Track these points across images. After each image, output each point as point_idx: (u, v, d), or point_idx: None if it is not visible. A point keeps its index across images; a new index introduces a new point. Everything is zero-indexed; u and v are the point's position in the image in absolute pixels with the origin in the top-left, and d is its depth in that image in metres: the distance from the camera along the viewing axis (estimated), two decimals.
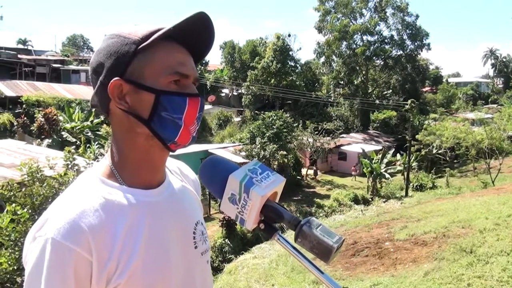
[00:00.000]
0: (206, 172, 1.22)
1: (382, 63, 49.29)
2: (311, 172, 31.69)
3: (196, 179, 1.47)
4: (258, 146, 26.98)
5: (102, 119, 30.31)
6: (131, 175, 1.21)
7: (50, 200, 6.76)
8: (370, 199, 25.32)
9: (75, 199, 1.13)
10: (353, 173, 31.48)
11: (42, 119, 27.26)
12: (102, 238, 1.09)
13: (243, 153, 26.50)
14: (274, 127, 28.89)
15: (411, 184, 27.62)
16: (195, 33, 1.19)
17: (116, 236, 1.11)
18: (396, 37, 47.98)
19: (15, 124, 29.86)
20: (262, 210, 1.14)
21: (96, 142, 25.57)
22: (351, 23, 47.36)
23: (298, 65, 49.21)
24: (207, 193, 22.35)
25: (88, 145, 23.66)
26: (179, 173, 1.40)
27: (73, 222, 1.07)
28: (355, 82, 48.43)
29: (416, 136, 32.67)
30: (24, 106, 32.58)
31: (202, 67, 56.99)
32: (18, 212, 6.15)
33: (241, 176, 1.15)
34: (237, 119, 45.00)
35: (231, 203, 1.16)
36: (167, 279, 1.19)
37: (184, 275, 1.24)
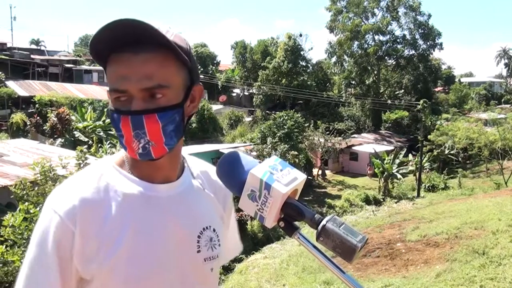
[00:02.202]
0: (224, 167, 1.20)
1: (394, 63, 49.00)
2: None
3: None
4: (269, 146, 26.96)
5: None
6: (136, 167, 1.24)
7: None
8: (382, 200, 25.20)
9: (81, 177, 1.21)
10: (368, 171, 31.34)
11: (55, 119, 27.48)
12: (90, 214, 1.14)
13: (254, 153, 26.47)
14: (285, 127, 28.86)
15: (423, 184, 27.44)
16: (122, 36, 1.11)
17: (106, 218, 1.15)
18: (408, 37, 47.70)
19: (28, 123, 30.12)
20: (283, 208, 1.12)
21: (108, 142, 25.62)
22: (363, 23, 47.15)
23: (309, 65, 49.06)
24: None
25: (100, 145, 23.76)
26: (203, 178, 1.38)
27: (68, 194, 1.16)
28: (367, 82, 48.18)
29: (428, 137, 32.42)
30: (37, 105, 32.88)
31: (214, 67, 57.19)
32: (31, 211, 6.21)
33: (261, 172, 1.13)
34: (248, 119, 44.99)
35: (251, 200, 1.13)
36: (155, 275, 1.19)
37: (178, 276, 1.23)
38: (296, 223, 1.15)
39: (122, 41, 1.11)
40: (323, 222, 1.07)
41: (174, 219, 1.24)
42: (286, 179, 1.13)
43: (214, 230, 1.32)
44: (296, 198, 1.17)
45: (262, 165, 1.15)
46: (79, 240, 1.13)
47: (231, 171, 1.18)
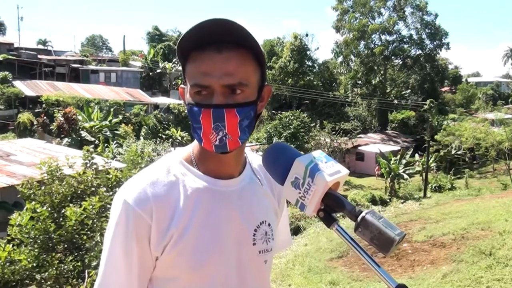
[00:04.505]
0: (271, 155, 1.25)
1: (400, 62, 48.76)
2: None
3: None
4: None
5: (121, 118, 30.61)
6: (203, 163, 1.33)
7: (69, 199, 6.84)
8: (388, 200, 25.08)
9: (152, 171, 1.31)
10: (376, 172, 31.25)
11: (62, 119, 27.63)
12: (163, 208, 1.25)
13: (260, 153, 26.42)
14: (291, 127, 28.84)
15: (429, 185, 27.30)
16: (208, 35, 1.19)
17: (176, 211, 1.26)
18: (415, 37, 47.43)
19: (35, 123, 30.28)
20: (324, 198, 1.15)
21: (115, 141, 25.83)
22: (369, 23, 46.99)
23: (315, 65, 49.04)
24: None
25: (106, 144, 23.92)
26: (261, 173, 1.45)
27: (143, 190, 1.25)
28: (373, 82, 48.02)
29: (435, 137, 32.27)
30: (44, 105, 33.02)
31: None
32: (38, 210, 6.22)
33: (307, 161, 1.17)
34: None
35: (294, 187, 1.17)
36: (215, 263, 1.29)
37: (235, 265, 1.32)
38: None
39: (207, 40, 1.19)
40: (363, 214, 1.10)
41: (235, 213, 1.33)
42: (330, 170, 1.16)
43: (269, 224, 1.41)
44: (338, 191, 1.19)
45: (307, 155, 1.20)
46: (155, 232, 1.24)
47: (277, 159, 1.22)
